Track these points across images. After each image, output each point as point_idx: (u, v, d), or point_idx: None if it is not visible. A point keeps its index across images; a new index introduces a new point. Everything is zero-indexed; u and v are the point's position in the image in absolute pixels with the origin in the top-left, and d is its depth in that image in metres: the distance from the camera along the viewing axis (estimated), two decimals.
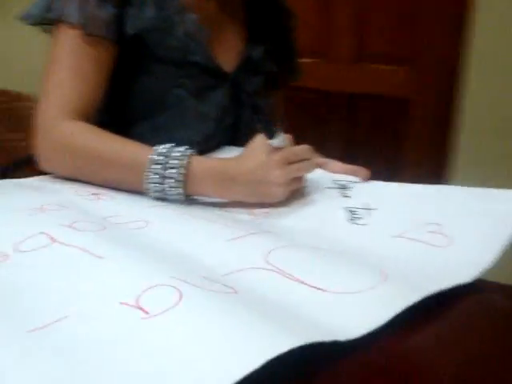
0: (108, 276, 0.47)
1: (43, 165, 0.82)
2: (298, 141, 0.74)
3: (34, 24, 0.84)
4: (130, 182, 0.74)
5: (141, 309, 0.40)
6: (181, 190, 0.71)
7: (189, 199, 0.73)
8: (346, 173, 0.79)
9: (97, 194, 0.74)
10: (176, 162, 0.71)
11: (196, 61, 0.89)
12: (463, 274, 0.50)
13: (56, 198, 0.70)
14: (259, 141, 0.72)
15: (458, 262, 0.53)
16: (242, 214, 0.69)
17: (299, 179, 0.73)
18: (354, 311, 0.44)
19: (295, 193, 0.73)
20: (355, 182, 0.76)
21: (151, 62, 0.88)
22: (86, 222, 0.60)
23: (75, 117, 0.80)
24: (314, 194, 0.74)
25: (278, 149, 0.71)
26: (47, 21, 0.83)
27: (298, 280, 0.48)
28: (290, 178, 0.70)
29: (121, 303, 0.41)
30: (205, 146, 0.88)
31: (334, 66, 1.94)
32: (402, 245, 0.58)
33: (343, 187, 0.75)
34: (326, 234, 0.62)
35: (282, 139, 0.72)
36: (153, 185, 0.72)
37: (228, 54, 0.95)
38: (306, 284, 0.48)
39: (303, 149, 0.73)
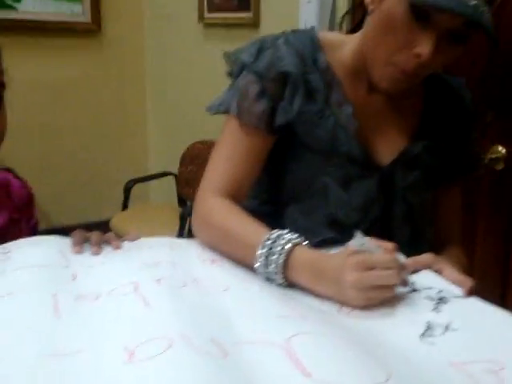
0: (135, 322, 0.58)
1: (194, 232, 0.94)
2: None
3: (215, 114, 0.96)
4: (246, 261, 0.81)
5: (131, 354, 0.48)
6: (281, 275, 0.76)
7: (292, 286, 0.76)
8: (454, 282, 0.76)
9: (214, 261, 0.85)
10: (279, 248, 0.76)
11: (344, 151, 0.91)
12: None
13: (172, 257, 0.83)
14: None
15: None
16: (322, 305, 0.72)
17: (381, 288, 0.70)
18: None
19: (379, 300, 0.71)
20: (455, 297, 0.73)
21: (301, 150, 0.93)
22: (173, 280, 0.72)
23: (223, 195, 0.91)
24: (407, 299, 0.73)
25: (359, 251, 0.72)
26: (221, 112, 0.95)
27: (295, 361, 0.52)
28: (366, 284, 0.69)
29: (124, 348, 0.50)
30: (348, 234, 0.88)
31: None
32: (450, 374, 0.57)
33: (440, 300, 0.73)
34: (384, 341, 0.63)
35: (361, 242, 0.73)
36: (260, 266, 0.78)
37: (386, 147, 0.95)
38: (300, 365, 0.52)
39: (385, 257, 0.72)
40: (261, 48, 0.92)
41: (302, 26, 1.98)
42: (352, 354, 0.56)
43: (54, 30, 2.83)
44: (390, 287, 0.71)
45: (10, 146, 2.88)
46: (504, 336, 0.65)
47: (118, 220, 2.70)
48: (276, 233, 0.78)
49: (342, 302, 0.72)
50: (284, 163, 0.96)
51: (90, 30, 2.94)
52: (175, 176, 2.94)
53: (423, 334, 0.65)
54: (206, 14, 2.70)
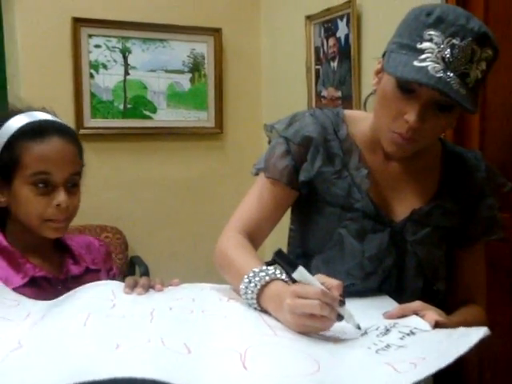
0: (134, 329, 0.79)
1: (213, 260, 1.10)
2: None
3: (256, 174, 1.16)
4: (237, 286, 0.95)
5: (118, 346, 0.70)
6: (255, 301, 0.90)
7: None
8: (429, 322, 0.83)
9: (231, 299, 0.96)
10: (257, 279, 0.90)
11: (358, 207, 1.05)
12: None
13: (195, 295, 0.98)
14: None
15: None
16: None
17: (311, 317, 0.78)
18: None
19: (313, 329, 0.80)
20: (423, 331, 0.80)
21: (322, 205, 1.09)
22: (183, 308, 0.89)
23: (241, 232, 1.08)
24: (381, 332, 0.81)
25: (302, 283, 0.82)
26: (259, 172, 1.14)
27: (241, 359, 0.66)
28: (297, 311, 0.79)
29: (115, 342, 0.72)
30: (364, 282, 1.02)
31: None
32: (376, 366, 0.68)
33: (409, 334, 0.79)
34: (338, 350, 0.74)
35: (302, 274, 0.82)
36: (242, 291, 0.92)
37: (401, 206, 1.07)
38: (243, 363, 0.65)
39: (315, 289, 0.80)
40: (292, 120, 1.11)
41: None
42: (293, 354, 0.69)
43: (182, 134, 3.26)
44: (320, 318, 0.78)
45: (140, 234, 3.23)
46: (440, 347, 0.72)
47: None
48: (263, 268, 0.91)
49: (287, 326, 0.81)
50: (309, 217, 1.10)
51: (214, 133, 3.33)
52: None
53: (379, 349, 0.73)
54: None
